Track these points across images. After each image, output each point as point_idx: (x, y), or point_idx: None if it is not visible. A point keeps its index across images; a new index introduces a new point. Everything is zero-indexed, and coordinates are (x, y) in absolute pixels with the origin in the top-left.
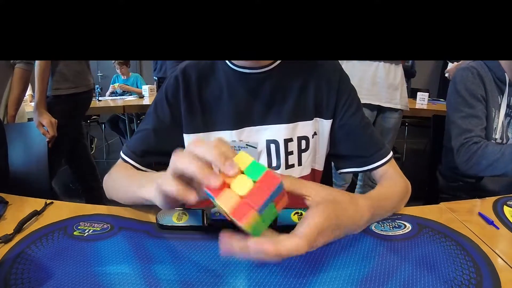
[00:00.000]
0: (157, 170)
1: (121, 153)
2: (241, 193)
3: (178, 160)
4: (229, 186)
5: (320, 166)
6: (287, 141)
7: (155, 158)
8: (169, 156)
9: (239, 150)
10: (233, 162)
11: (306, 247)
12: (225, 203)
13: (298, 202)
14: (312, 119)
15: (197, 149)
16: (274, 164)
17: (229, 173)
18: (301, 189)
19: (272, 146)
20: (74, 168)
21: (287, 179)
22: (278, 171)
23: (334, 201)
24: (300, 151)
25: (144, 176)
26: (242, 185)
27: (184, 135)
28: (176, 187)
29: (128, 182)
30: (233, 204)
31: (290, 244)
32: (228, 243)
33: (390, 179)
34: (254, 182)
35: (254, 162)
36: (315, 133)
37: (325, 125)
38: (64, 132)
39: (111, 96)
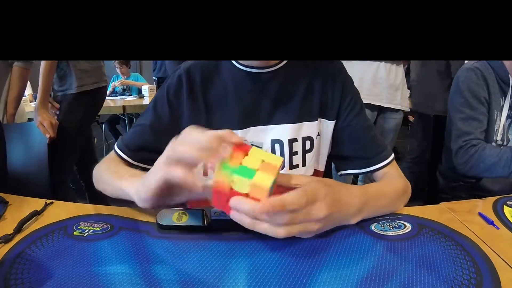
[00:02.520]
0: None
1: (115, 145)
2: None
3: (177, 147)
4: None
5: (322, 167)
6: (291, 141)
7: (148, 155)
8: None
9: None
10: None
11: (305, 199)
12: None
13: None
14: (316, 120)
15: (191, 137)
16: None
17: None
18: (291, 180)
19: (277, 146)
20: (80, 165)
21: (280, 177)
22: (281, 172)
23: (326, 181)
24: (305, 152)
25: (128, 170)
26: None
27: None
28: (184, 173)
29: (113, 174)
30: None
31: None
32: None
33: (390, 179)
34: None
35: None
36: (318, 134)
37: (328, 125)
38: (83, 129)
39: (111, 96)
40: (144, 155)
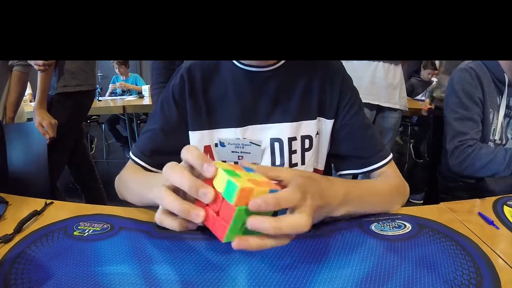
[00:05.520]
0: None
1: (130, 153)
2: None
3: (171, 176)
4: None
5: (321, 166)
6: (291, 139)
7: (163, 158)
8: (178, 155)
9: (243, 147)
10: (210, 164)
11: (300, 195)
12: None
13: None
14: (315, 119)
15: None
16: (277, 162)
17: (208, 175)
18: (273, 172)
19: (276, 145)
20: (73, 168)
21: (258, 168)
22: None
23: (308, 175)
24: (304, 150)
25: (152, 178)
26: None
27: (190, 132)
28: (179, 205)
29: (138, 185)
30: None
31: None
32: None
33: (384, 177)
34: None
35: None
36: (317, 133)
37: (327, 125)
38: (69, 131)
39: (111, 96)
40: (159, 158)
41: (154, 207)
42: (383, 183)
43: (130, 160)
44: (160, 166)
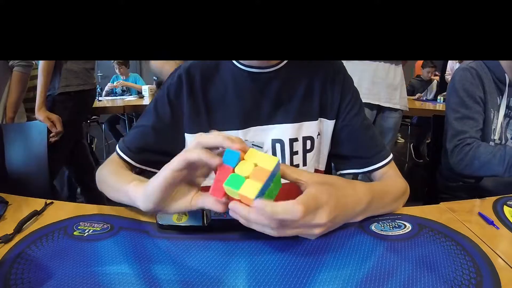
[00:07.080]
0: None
1: (117, 147)
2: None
3: (203, 138)
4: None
5: (322, 166)
6: (292, 140)
7: (150, 156)
8: (165, 155)
9: None
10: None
11: (302, 211)
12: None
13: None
14: (317, 119)
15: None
16: None
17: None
18: (294, 173)
19: (278, 146)
20: (73, 168)
21: (281, 166)
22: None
23: (330, 182)
24: (305, 151)
25: (133, 177)
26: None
27: (187, 135)
28: (200, 152)
29: (118, 179)
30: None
31: (287, 205)
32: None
33: (389, 178)
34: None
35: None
36: (319, 134)
37: (328, 125)
38: (70, 131)
39: (111, 96)
40: (146, 156)
41: None
42: (391, 185)
43: (115, 153)
44: (144, 163)
